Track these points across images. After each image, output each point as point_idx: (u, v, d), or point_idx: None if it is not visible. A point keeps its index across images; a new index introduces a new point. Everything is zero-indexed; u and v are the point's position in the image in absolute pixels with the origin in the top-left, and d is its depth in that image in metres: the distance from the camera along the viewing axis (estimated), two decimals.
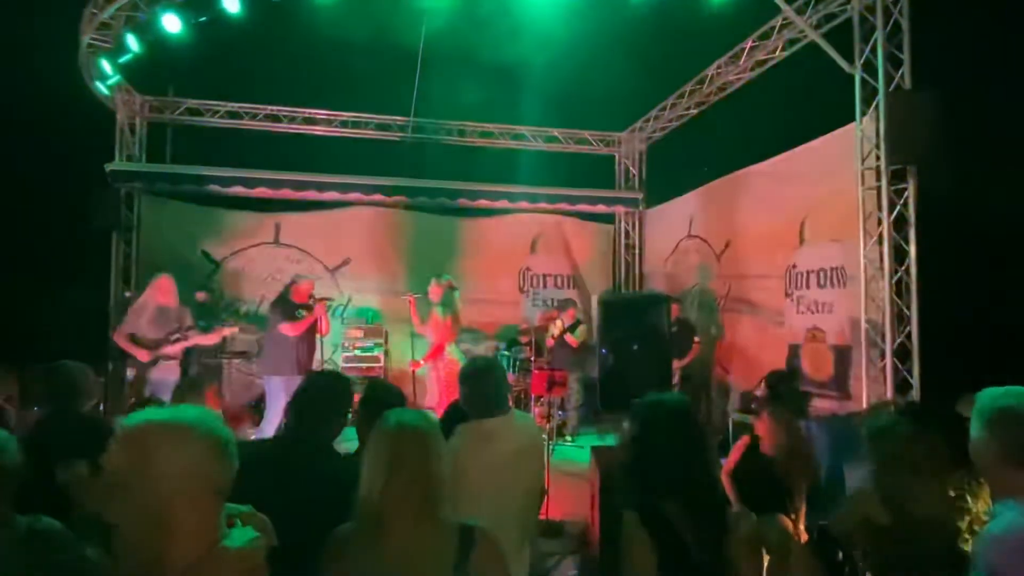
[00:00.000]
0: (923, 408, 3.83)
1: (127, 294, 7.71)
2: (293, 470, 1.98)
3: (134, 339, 5.53)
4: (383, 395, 2.43)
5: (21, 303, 7.37)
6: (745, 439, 4.28)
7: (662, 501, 1.90)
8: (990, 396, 1.79)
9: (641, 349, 3.98)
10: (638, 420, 2.03)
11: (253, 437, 5.71)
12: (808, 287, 6.50)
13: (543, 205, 9.44)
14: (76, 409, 3.17)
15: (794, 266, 6.71)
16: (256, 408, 7.32)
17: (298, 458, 2.06)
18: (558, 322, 7.59)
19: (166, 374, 5.62)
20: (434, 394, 6.02)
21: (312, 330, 6.07)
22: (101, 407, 5.07)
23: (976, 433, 1.78)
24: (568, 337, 7.42)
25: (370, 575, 1.57)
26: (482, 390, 2.38)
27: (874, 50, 5.14)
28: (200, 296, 7.52)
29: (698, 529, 1.86)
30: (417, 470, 1.61)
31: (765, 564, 4.00)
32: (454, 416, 2.54)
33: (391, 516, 1.58)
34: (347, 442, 2.33)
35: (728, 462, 4.27)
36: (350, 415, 2.37)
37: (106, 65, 6.41)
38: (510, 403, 2.68)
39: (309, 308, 6.14)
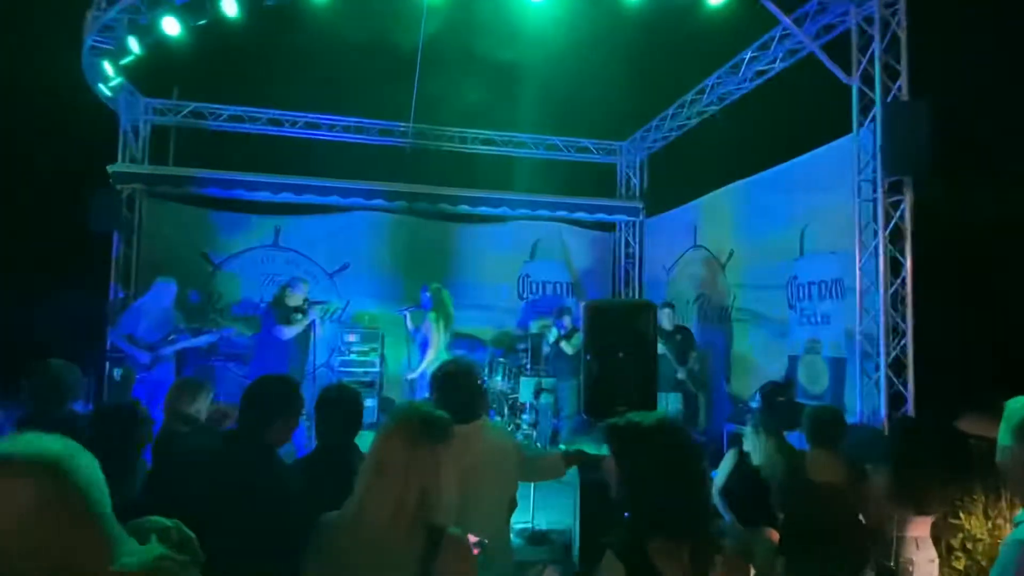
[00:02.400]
0: (914, 423, 3.78)
1: (120, 295, 7.75)
2: (227, 469, 1.99)
3: (133, 340, 5.57)
4: (337, 397, 2.45)
5: (21, 303, 7.42)
6: (733, 452, 4.24)
7: (647, 539, 1.68)
8: (1022, 405, 1.73)
9: (627, 356, 3.95)
10: (615, 448, 1.80)
11: None
12: (810, 298, 6.47)
13: (543, 213, 9.44)
14: (61, 406, 3.19)
15: (795, 277, 6.68)
16: None
17: (235, 458, 2.06)
18: (553, 330, 7.57)
19: (163, 375, 5.66)
20: None
21: (306, 333, 6.08)
22: (90, 407, 5.07)
23: (1005, 441, 1.74)
24: (564, 345, 7.40)
25: (342, 564, 1.62)
26: (452, 396, 2.35)
27: (872, 61, 5.13)
28: (192, 296, 7.55)
29: (685, 568, 1.66)
30: (400, 471, 1.63)
31: None
32: None
33: (370, 512, 1.62)
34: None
35: (719, 479, 4.23)
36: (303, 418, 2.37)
37: (108, 67, 6.47)
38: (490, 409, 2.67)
39: (304, 312, 6.16)
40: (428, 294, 6.49)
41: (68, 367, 3.16)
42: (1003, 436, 1.75)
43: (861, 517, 3.10)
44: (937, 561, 3.23)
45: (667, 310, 7.14)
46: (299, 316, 6.04)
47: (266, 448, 2.12)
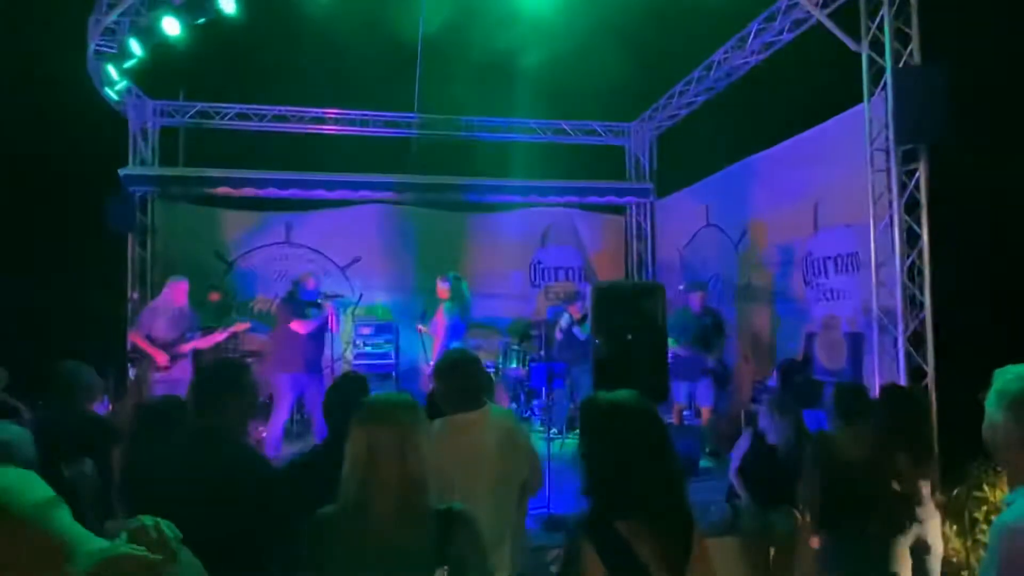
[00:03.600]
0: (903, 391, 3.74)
1: (134, 295, 7.86)
2: (191, 456, 2.01)
3: (151, 340, 5.66)
4: (348, 385, 2.46)
5: (39, 306, 7.55)
6: (750, 432, 4.21)
7: (616, 519, 1.67)
8: (1015, 375, 1.59)
9: (635, 339, 3.91)
10: (588, 427, 1.80)
11: (263, 435, 5.78)
12: (826, 274, 6.37)
13: (553, 199, 9.38)
14: (78, 407, 3.24)
15: (809, 253, 6.58)
16: (267, 406, 7.40)
17: (198, 444, 2.09)
18: (566, 315, 7.54)
19: (181, 373, 5.74)
20: None
21: (321, 328, 6.12)
22: (110, 407, 5.17)
23: (994, 415, 1.60)
24: (576, 330, 7.36)
25: (353, 558, 1.59)
26: (456, 384, 2.36)
27: (881, 27, 4.98)
28: (213, 296, 7.63)
29: (659, 550, 1.65)
30: (394, 457, 1.62)
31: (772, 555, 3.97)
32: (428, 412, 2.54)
33: (372, 503, 1.60)
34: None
35: (736, 459, 4.20)
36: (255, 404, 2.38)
37: (112, 71, 6.51)
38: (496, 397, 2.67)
39: (319, 306, 6.19)
40: (448, 283, 6.48)
41: (82, 368, 3.21)
42: (993, 410, 1.61)
43: (895, 485, 3.16)
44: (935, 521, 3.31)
45: (697, 293, 6.78)
46: (314, 311, 6.07)
47: (221, 432, 2.10)
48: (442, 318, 6.12)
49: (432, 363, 6.30)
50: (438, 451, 2.20)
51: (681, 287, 7.48)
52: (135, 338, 5.77)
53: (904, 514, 3.16)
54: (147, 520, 1.19)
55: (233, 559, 1.50)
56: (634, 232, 9.91)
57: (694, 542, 1.73)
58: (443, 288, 6.60)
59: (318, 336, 6.10)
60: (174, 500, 1.26)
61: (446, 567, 1.58)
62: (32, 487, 1.09)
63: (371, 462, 1.63)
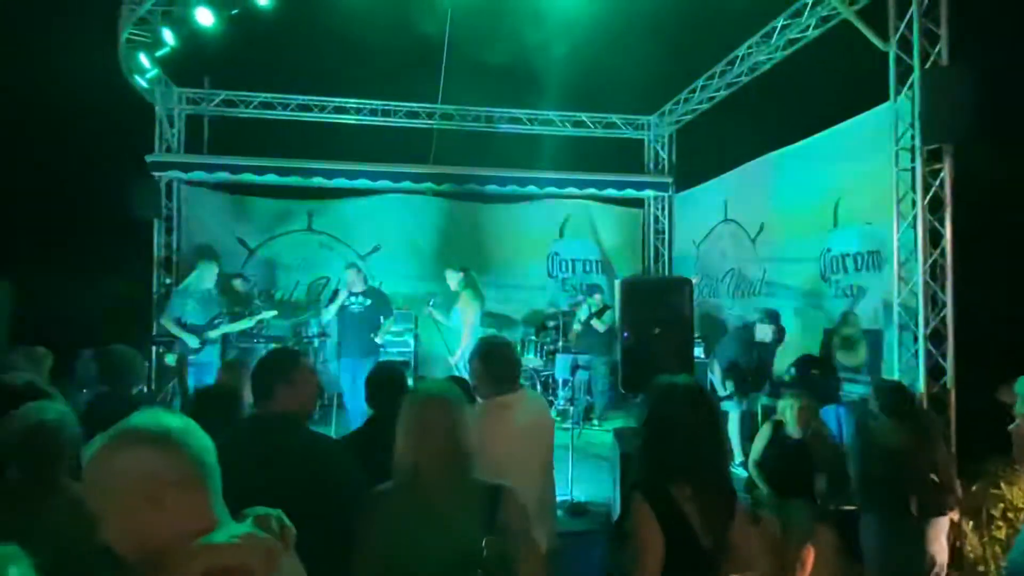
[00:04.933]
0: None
1: (167, 281, 8.00)
2: (251, 445, 2.09)
3: (181, 324, 5.80)
4: (386, 374, 2.62)
5: (67, 291, 7.70)
6: (769, 424, 4.28)
7: (670, 483, 1.90)
8: None
9: (663, 333, 3.99)
10: (649, 401, 2.04)
11: None
12: (845, 271, 6.40)
13: (571, 191, 9.43)
14: (126, 391, 3.36)
15: (828, 249, 6.61)
16: None
17: (256, 433, 2.18)
18: (584, 307, 7.62)
19: (210, 357, 5.89)
20: None
21: (373, 316, 6.32)
22: (145, 390, 5.31)
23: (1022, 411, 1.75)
24: (595, 322, 7.45)
25: (409, 531, 1.71)
26: (496, 366, 2.47)
27: (909, 26, 4.98)
28: (238, 283, 7.76)
29: (705, 513, 1.87)
30: (445, 435, 1.76)
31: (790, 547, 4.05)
32: None
33: (426, 477, 1.73)
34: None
35: (755, 452, 4.27)
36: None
37: (144, 59, 6.62)
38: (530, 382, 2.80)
39: (372, 296, 6.41)
40: (459, 277, 6.58)
41: (135, 352, 3.34)
42: (1021, 406, 1.76)
43: (934, 476, 3.47)
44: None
45: (769, 326, 6.01)
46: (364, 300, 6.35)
47: (281, 418, 2.14)
48: (468, 308, 6.23)
49: (458, 353, 6.45)
50: (481, 431, 2.32)
51: (696, 279, 7.42)
52: (166, 323, 5.91)
53: (941, 500, 3.44)
54: (271, 511, 1.23)
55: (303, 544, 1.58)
56: (652, 226, 9.95)
57: (736, 511, 1.94)
58: (455, 280, 6.66)
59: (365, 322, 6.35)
60: (240, 488, 1.27)
61: (493, 537, 1.68)
62: (214, 454, 1.19)
63: (423, 440, 1.77)
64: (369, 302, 6.29)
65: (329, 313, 6.51)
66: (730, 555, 1.87)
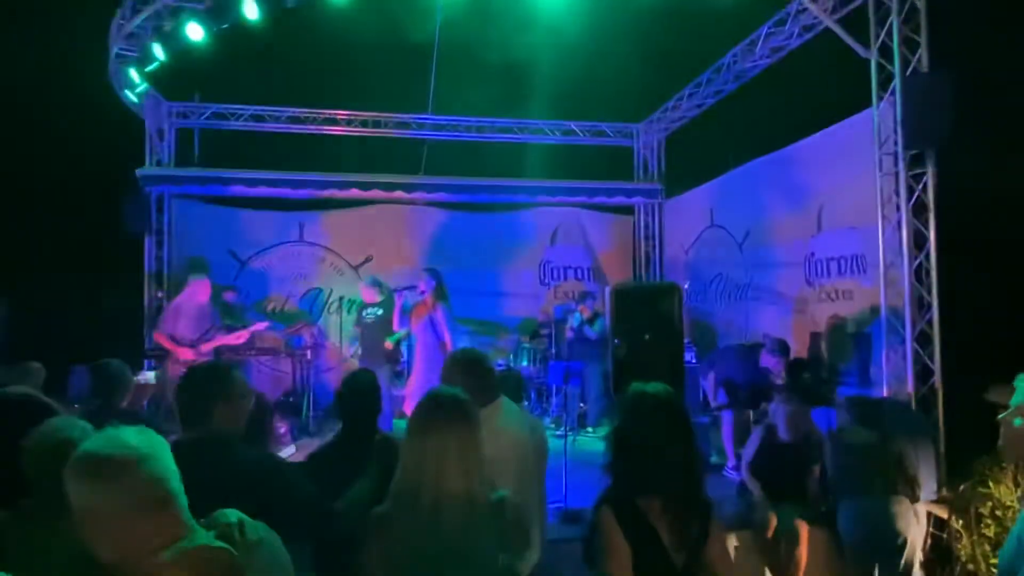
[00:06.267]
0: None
1: (158, 295, 7.98)
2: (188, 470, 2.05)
3: (174, 339, 5.78)
4: (355, 385, 2.61)
5: (58, 306, 7.67)
6: (761, 428, 4.31)
7: (639, 496, 1.80)
8: None
9: (653, 339, 4.02)
10: (619, 411, 1.96)
11: (282, 430, 5.93)
12: (829, 275, 6.47)
13: (562, 199, 9.49)
14: (116, 404, 3.37)
15: (812, 254, 6.69)
16: (287, 404, 7.55)
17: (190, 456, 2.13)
18: (576, 314, 7.65)
19: None
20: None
21: (387, 325, 6.56)
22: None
23: (1021, 420, 1.76)
24: (587, 329, 7.48)
25: (423, 558, 1.65)
26: (475, 380, 2.45)
27: (890, 33, 5.08)
28: (228, 296, 7.76)
29: (676, 529, 1.77)
30: (459, 451, 1.70)
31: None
32: None
33: (438, 495, 1.66)
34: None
35: (747, 455, 4.30)
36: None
37: (134, 74, 6.63)
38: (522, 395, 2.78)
39: (384, 305, 6.64)
40: (434, 281, 6.52)
41: (125, 367, 3.35)
42: (1020, 415, 1.80)
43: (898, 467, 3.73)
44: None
45: (778, 358, 5.75)
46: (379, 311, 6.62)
47: (221, 438, 1.99)
48: (441, 316, 6.25)
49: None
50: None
51: (685, 284, 7.47)
52: (159, 338, 5.89)
53: (905, 483, 3.68)
54: (232, 517, 1.27)
55: None
56: (642, 232, 10.02)
57: (711, 527, 1.85)
58: (428, 286, 6.58)
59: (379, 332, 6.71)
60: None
61: (506, 555, 1.69)
62: (174, 468, 1.23)
63: (439, 464, 1.68)
64: (381, 311, 6.60)
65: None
66: (704, 573, 1.79)
